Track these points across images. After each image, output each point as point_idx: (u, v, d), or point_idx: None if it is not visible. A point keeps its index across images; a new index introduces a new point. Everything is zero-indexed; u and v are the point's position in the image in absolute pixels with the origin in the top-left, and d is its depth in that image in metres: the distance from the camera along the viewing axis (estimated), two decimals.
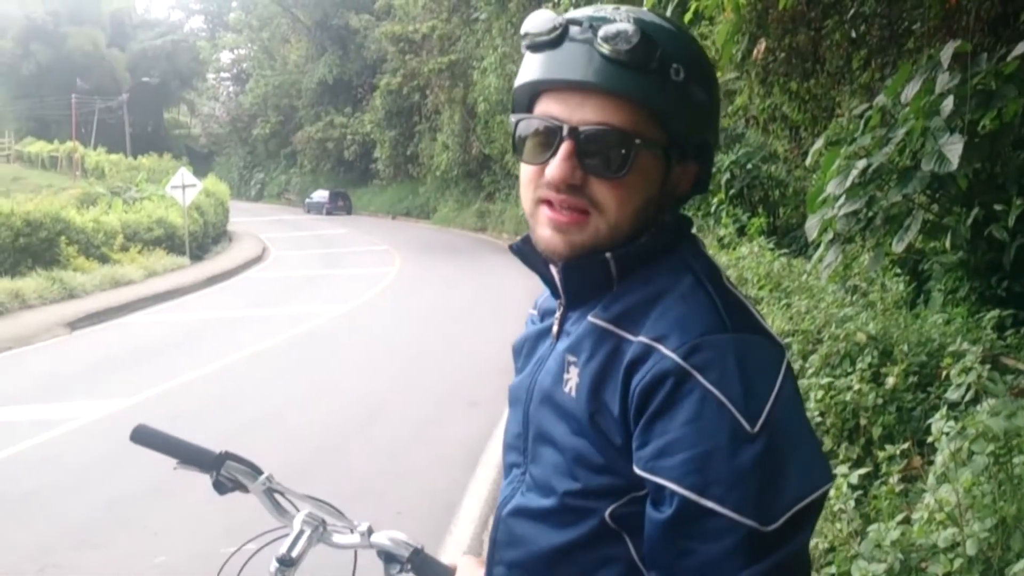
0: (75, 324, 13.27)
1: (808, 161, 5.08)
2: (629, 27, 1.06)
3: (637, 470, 1.04)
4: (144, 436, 1.58)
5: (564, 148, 1.09)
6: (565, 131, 1.09)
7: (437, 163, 33.93)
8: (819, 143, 4.60)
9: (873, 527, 2.98)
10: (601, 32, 1.06)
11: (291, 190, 50.14)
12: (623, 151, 1.08)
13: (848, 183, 3.88)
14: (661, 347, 1.03)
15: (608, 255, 1.13)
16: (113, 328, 13.44)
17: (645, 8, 1.16)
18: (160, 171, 32.08)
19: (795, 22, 5.87)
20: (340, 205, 41.21)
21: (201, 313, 14.74)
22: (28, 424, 7.59)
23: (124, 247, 19.79)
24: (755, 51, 5.95)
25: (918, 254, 5.61)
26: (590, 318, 1.14)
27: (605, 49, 1.06)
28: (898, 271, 6.12)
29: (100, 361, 10.74)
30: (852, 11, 5.61)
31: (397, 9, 36.53)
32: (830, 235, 4.11)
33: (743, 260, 8.40)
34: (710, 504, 0.98)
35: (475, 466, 6.21)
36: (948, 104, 3.51)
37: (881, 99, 4.07)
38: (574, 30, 1.09)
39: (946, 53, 3.57)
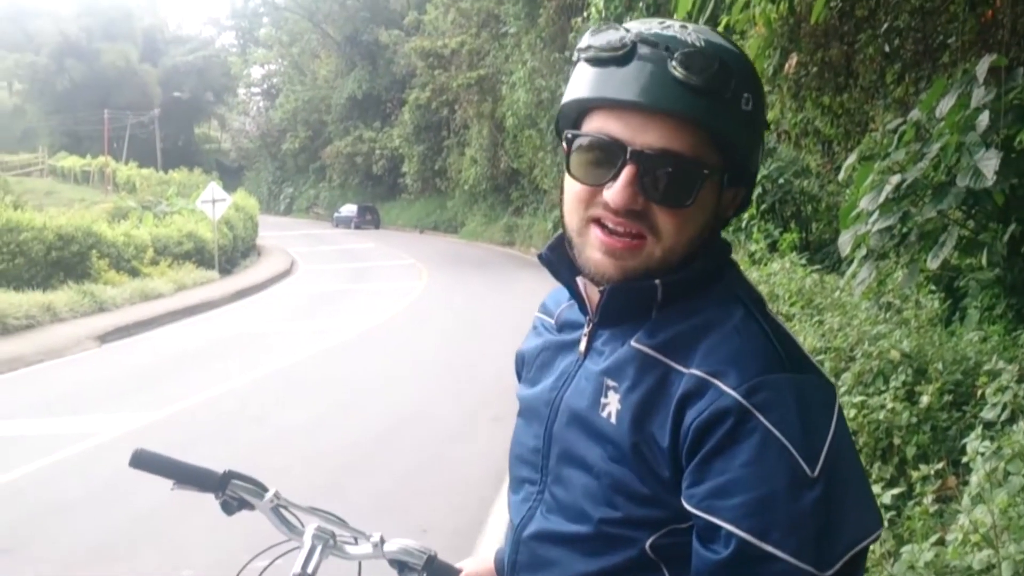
0: (105, 337, 13.41)
1: (841, 176, 5.03)
2: (706, 52, 1.03)
3: (689, 507, 1.01)
4: (144, 460, 1.55)
5: (627, 173, 1.04)
6: (628, 154, 1.04)
7: (465, 177, 34.06)
8: (852, 158, 4.55)
9: (907, 548, 2.93)
10: (678, 55, 1.02)
11: (320, 204, 50.51)
12: (690, 181, 1.05)
13: (882, 198, 3.82)
14: (719, 383, 1.00)
15: (657, 282, 1.09)
16: (143, 341, 13.57)
17: (705, 25, 1.10)
18: (190, 185, 32.46)
19: (827, 36, 5.82)
20: (368, 219, 41.45)
21: (230, 327, 14.85)
22: (57, 437, 7.65)
23: (154, 261, 20.00)
24: (787, 65, 5.90)
25: (953, 271, 5.52)
26: (633, 343, 1.10)
27: (679, 73, 1.02)
28: (933, 288, 6.03)
29: (129, 374, 10.83)
30: (886, 25, 5.55)
31: (426, 24, 36.82)
32: (863, 251, 4.06)
33: (774, 276, 8.33)
34: (770, 548, 0.96)
35: (501, 483, 6.16)
36: (984, 119, 3.46)
37: (915, 114, 4.02)
38: (644, 49, 1.04)
39: (981, 67, 3.52)
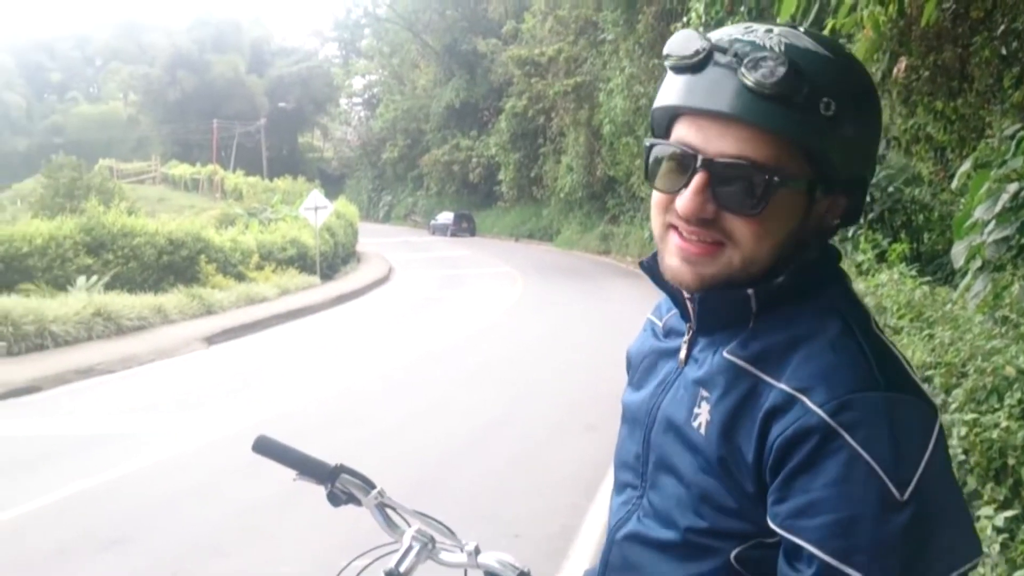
0: (213, 339, 13.91)
1: (955, 184, 4.83)
2: (777, 57, 1.00)
3: (773, 525, 1.00)
4: (265, 446, 1.65)
5: (697, 180, 1.04)
6: (699, 162, 1.04)
7: (561, 185, 34.09)
8: (967, 165, 4.36)
9: (1019, 573, 2.80)
10: (746, 61, 1.00)
11: (417, 212, 51.33)
12: (759, 188, 1.02)
13: (998, 208, 3.66)
14: (806, 400, 0.98)
15: (750, 291, 1.07)
16: (248, 344, 14.03)
17: (799, 29, 1.06)
18: (294, 193, 33.32)
19: (940, 39, 5.61)
20: (464, 227, 41.88)
21: (331, 331, 15.21)
22: (168, 433, 7.99)
23: (259, 266, 20.65)
24: (896, 69, 5.71)
25: None
26: (726, 354, 1.09)
27: (749, 80, 1.00)
28: None
29: (235, 375, 11.22)
30: (1002, 27, 5.31)
31: (524, 33, 37.07)
32: (979, 263, 3.89)
33: (882, 288, 8.05)
34: (853, 572, 0.94)
35: (594, 492, 6.10)
36: None
37: None
38: (719, 55, 1.03)
39: None
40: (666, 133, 1.11)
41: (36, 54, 65.22)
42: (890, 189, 11.65)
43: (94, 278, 15.87)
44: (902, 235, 11.50)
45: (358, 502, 1.60)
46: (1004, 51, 5.51)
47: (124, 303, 14.42)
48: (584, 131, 31.28)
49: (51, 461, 7.35)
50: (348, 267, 26.29)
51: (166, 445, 7.60)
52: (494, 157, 42.29)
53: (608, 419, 7.72)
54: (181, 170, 50.79)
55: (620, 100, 24.15)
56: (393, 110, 53.28)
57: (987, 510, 3.37)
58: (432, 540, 1.53)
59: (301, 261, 22.41)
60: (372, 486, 1.60)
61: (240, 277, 19.38)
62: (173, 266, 17.84)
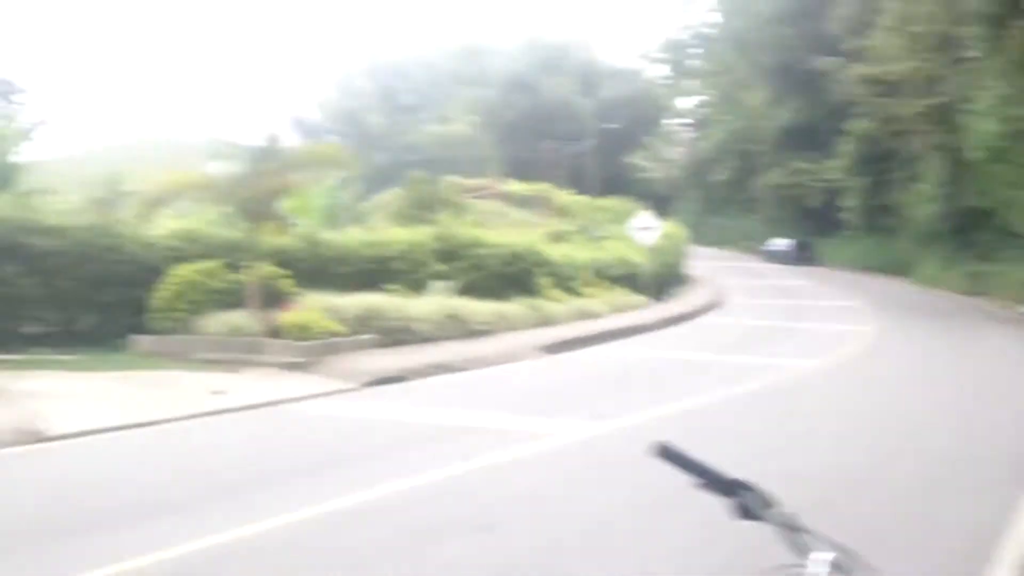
0: (550, 348, 14.31)
1: None
2: None
3: None
4: (667, 453, 1.74)
5: None
6: None
7: (917, 215, 31.53)
8: None
9: None
10: None
11: (748, 237, 49.89)
12: None
13: None
14: None
15: None
16: (583, 356, 14.25)
17: None
18: (622, 212, 33.62)
19: None
20: (804, 255, 40.23)
21: (662, 352, 15.03)
22: (520, 433, 8.22)
23: (590, 282, 20.98)
24: None
25: None
26: None
27: None
28: None
29: (575, 385, 11.43)
30: None
31: (870, 50, 34.77)
32: None
33: None
34: None
35: (984, 562, 5.15)
36: None
37: None
38: None
39: None
40: None
41: (391, 79, 71.47)
42: None
43: (450, 283, 16.77)
44: None
45: (761, 519, 1.60)
46: None
47: (473, 308, 15.34)
48: (945, 157, 28.74)
49: (419, 445, 7.87)
50: (677, 289, 26.10)
51: (521, 443, 7.78)
52: (835, 182, 40.13)
53: (990, 483, 6.88)
54: (515, 187, 53.35)
55: (991, 123, 21.79)
56: (722, 131, 52.40)
57: None
58: (846, 568, 1.51)
59: (629, 280, 22.52)
60: (772, 504, 1.62)
61: (572, 292, 19.79)
62: (513, 277, 18.53)
